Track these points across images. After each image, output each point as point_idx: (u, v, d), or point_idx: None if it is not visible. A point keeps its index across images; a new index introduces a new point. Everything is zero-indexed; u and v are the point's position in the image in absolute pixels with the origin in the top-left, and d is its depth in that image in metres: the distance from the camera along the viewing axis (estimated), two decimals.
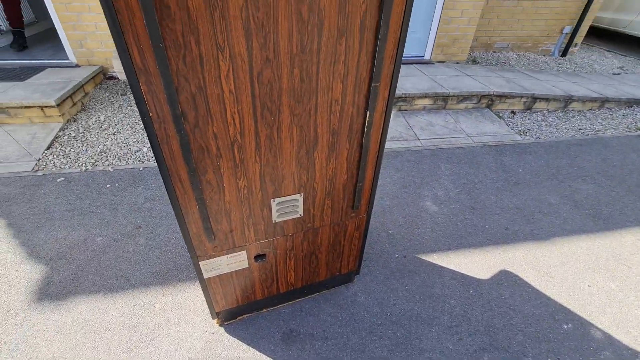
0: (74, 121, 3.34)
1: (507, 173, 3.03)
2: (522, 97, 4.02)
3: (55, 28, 3.83)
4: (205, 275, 1.45)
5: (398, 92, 3.73)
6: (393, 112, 3.82)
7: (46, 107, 3.11)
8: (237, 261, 1.47)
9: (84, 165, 2.80)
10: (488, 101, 4.01)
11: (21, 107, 3.07)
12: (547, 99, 4.10)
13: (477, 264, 2.15)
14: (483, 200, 2.69)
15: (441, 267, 2.12)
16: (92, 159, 2.88)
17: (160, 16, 0.80)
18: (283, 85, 1.04)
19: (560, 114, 4.13)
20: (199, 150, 1.07)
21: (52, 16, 3.71)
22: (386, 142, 3.39)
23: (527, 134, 3.68)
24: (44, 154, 2.88)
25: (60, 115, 3.18)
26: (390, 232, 2.36)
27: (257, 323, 1.76)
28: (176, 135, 0.99)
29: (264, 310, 1.82)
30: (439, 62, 4.82)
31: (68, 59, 3.98)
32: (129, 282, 1.93)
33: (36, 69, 3.75)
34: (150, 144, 0.99)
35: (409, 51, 4.74)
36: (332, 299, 1.90)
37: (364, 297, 1.93)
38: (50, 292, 1.85)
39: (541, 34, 5.77)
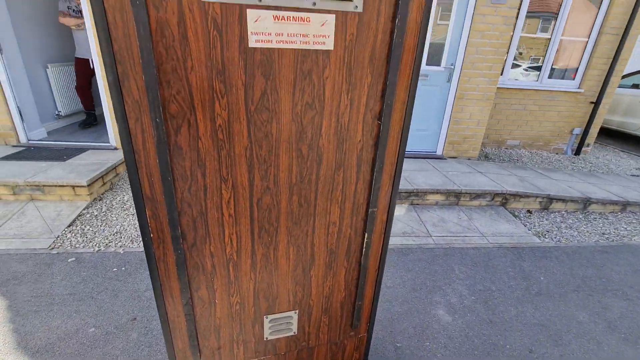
0: (100, 200, 3.54)
1: (527, 280, 2.83)
2: (537, 197, 3.98)
3: (104, 115, 4.36)
4: None
5: (410, 186, 3.80)
6: (405, 206, 3.85)
7: (77, 186, 3.35)
8: None
9: (97, 245, 2.87)
10: (502, 199, 3.99)
11: (56, 186, 3.32)
12: (563, 200, 4.03)
13: None
14: (502, 312, 2.47)
15: None
16: (107, 239, 2.97)
17: (172, 155, 0.90)
18: (282, 210, 1.08)
19: (580, 216, 4.01)
20: (194, 268, 1.08)
21: (103, 104, 4.26)
22: (397, 238, 3.34)
23: (546, 236, 3.54)
24: (64, 232, 3.00)
25: (88, 195, 3.40)
26: (398, 345, 2.15)
27: None
28: (173, 254, 1.02)
29: None
30: (450, 157, 4.99)
31: (109, 142, 4.43)
32: None
33: (80, 150, 4.16)
34: (147, 262, 1.01)
35: (421, 146, 4.97)
36: None
37: None
38: None
39: (551, 134, 5.98)
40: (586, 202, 4.04)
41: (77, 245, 2.86)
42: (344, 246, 1.23)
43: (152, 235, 0.98)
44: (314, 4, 0.83)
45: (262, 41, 0.84)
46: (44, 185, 3.31)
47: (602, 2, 5.20)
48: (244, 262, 1.13)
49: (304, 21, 0.84)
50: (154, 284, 1.06)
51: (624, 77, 6.74)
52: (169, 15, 0.76)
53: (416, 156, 4.88)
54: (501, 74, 5.38)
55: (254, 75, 0.87)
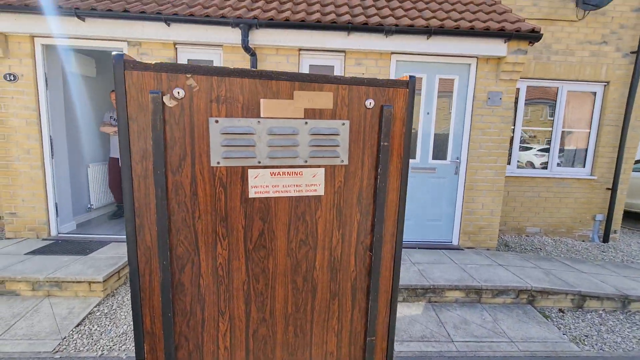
0: (113, 295, 3.57)
1: None
2: (567, 293, 3.69)
3: None
4: None
5: (426, 282, 3.65)
6: (422, 304, 3.63)
7: (93, 282, 3.43)
8: None
9: (101, 349, 2.80)
10: (528, 297, 3.72)
11: (72, 282, 3.42)
12: (598, 298, 3.70)
13: None
14: None
15: None
16: (112, 341, 2.90)
17: (175, 292, 0.97)
18: (277, 341, 1.09)
19: (621, 317, 3.62)
20: None
21: None
22: (415, 343, 3.07)
23: (586, 343, 3.16)
24: (71, 332, 2.97)
25: (102, 290, 3.45)
26: None
27: None
28: None
29: None
30: (467, 247, 4.85)
31: None
32: None
33: (103, 243, 4.37)
34: None
35: (435, 236, 4.91)
36: None
37: None
38: None
39: (572, 221, 5.80)
40: (624, 300, 3.69)
41: (81, 349, 2.79)
42: None
43: None
44: (306, 161, 0.99)
45: (260, 192, 0.97)
46: (62, 282, 3.41)
47: (595, 96, 5.58)
48: None
49: (297, 175, 0.99)
50: None
51: (637, 162, 6.77)
52: (183, 179, 0.92)
53: (431, 246, 4.78)
54: (509, 164, 5.55)
55: (252, 219, 0.99)
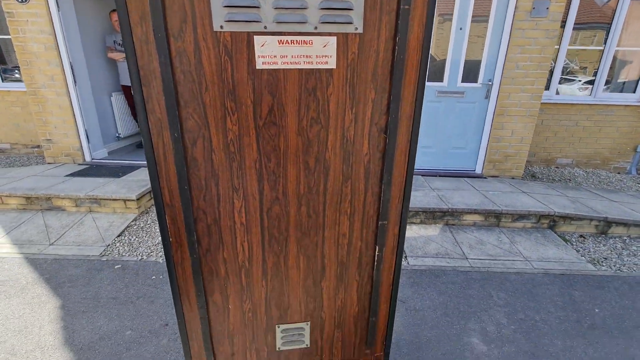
0: (147, 213, 3.86)
1: (578, 312, 2.54)
2: (591, 219, 3.61)
3: None
4: None
5: (444, 206, 3.66)
6: (439, 226, 3.69)
7: (128, 200, 3.70)
8: None
9: (140, 255, 3.12)
10: (550, 222, 3.67)
11: (110, 199, 3.70)
12: (625, 224, 3.60)
13: None
14: (546, 345, 2.23)
15: None
16: (149, 249, 3.21)
17: (189, 167, 1.00)
18: (291, 220, 1.12)
19: None
20: (208, 273, 1.15)
21: None
22: (429, 258, 3.20)
23: (604, 264, 3.17)
24: (113, 241, 3.30)
25: (137, 208, 3.73)
26: None
27: None
28: (189, 258, 1.10)
29: None
30: (491, 176, 4.73)
31: None
32: None
33: (133, 168, 4.61)
34: (167, 265, 1.10)
35: (458, 164, 4.79)
36: None
37: None
38: None
39: (610, 152, 5.44)
40: None
41: (123, 254, 3.12)
42: (355, 259, 1.23)
43: (171, 240, 1.07)
44: (316, 28, 0.90)
45: (268, 63, 0.92)
46: (100, 199, 3.70)
47: None
48: (255, 270, 1.18)
49: (306, 44, 0.91)
50: (172, 288, 1.15)
51: None
52: (186, 45, 0.87)
53: (453, 175, 4.70)
54: (547, 89, 5.08)
55: (261, 93, 0.95)
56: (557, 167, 5.58)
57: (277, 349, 1.34)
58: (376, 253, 1.22)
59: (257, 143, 1.00)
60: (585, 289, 2.81)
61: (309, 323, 1.31)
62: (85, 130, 4.69)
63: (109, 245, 3.24)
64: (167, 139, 0.95)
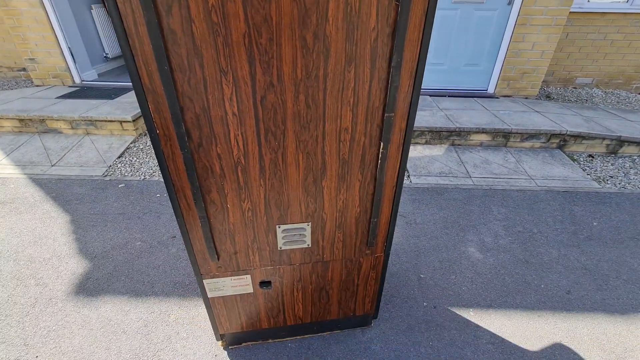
0: (145, 135, 3.77)
1: (576, 225, 2.58)
2: (604, 138, 3.47)
3: None
4: (209, 295, 1.44)
5: (451, 125, 3.51)
6: (444, 147, 3.59)
7: (124, 122, 3.57)
8: (241, 284, 1.44)
9: (143, 175, 3.11)
10: (560, 141, 3.55)
11: (105, 121, 3.57)
12: (638, 143, 3.48)
13: (524, 330, 1.81)
14: (541, 253, 2.30)
15: (477, 326, 1.83)
16: (151, 169, 3.19)
17: (166, 41, 0.85)
18: (287, 111, 1.02)
19: None
20: (203, 169, 1.09)
21: None
22: (432, 177, 3.17)
23: (608, 182, 3.13)
24: (114, 162, 3.27)
25: (134, 130, 3.63)
26: (422, 276, 2.13)
27: (261, 354, 1.68)
28: (181, 152, 1.03)
29: (270, 340, 1.74)
30: (504, 96, 4.46)
31: None
32: (153, 288, 2.01)
33: (126, 90, 4.38)
34: (157, 159, 1.04)
35: (469, 83, 4.49)
36: (344, 342, 1.75)
37: (380, 346, 1.73)
38: (87, 287, 2.01)
39: (636, 70, 5.03)
40: None
41: (125, 174, 3.12)
42: (358, 157, 1.16)
43: (157, 132, 0.98)
44: None
45: None
46: (95, 121, 3.57)
47: None
48: (252, 167, 1.11)
49: None
50: (166, 184, 1.10)
51: None
52: None
53: (463, 94, 4.43)
54: None
55: None
56: (574, 88, 5.24)
57: (279, 249, 1.35)
58: (380, 150, 1.14)
59: (243, 10, 0.84)
60: (587, 204, 2.81)
61: (309, 224, 1.30)
62: (69, 48, 4.34)
63: (110, 166, 3.22)
64: (136, 4, 0.79)
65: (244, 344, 1.71)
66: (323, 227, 1.33)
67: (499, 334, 1.78)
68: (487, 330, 1.80)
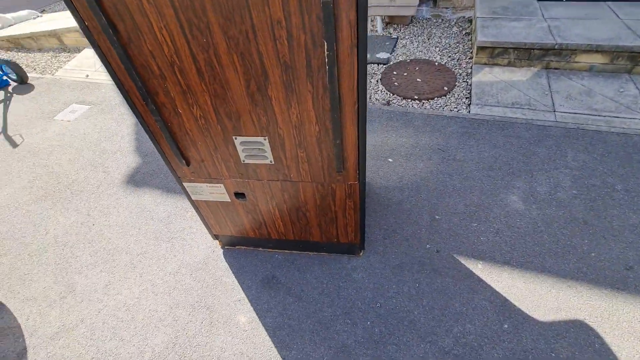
0: None
1: None
2: None
3: None
4: (193, 197, 1.55)
5: (550, 40, 2.65)
6: (534, 70, 2.79)
7: None
8: (218, 192, 1.50)
9: None
10: None
11: None
12: None
13: (538, 297, 1.50)
14: (611, 216, 1.76)
15: (480, 280, 1.59)
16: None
17: None
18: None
19: None
20: (142, 68, 1.05)
21: None
22: (500, 108, 2.56)
23: None
24: None
25: None
26: (437, 217, 1.89)
27: (250, 258, 1.82)
28: (112, 48, 1.00)
29: (260, 249, 1.85)
30: None
31: None
32: (179, 188, 2.28)
33: None
34: (98, 55, 1.03)
35: None
36: (327, 264, 1.75)
37: (362, 275, 1.68)
38: (135, 179, 2.39)
39: None
40: None
41: None
42: (302, 60, 0.96)
43: (86, 24, 0.95)
44: None
45: None
46: None
47: None
48: (188, 68, 1.03)
49: None
50: (114, 80, 1.10)
51: None
52: None
53: None
54: None
55: None
56: None
57: (242, 161, 1.32)
58: (326, 52, 0.91)
59: None
60: None
61: (266, 138, 1.20)
62: None
63: None
64: None
65: (237, 247, 1.87)
66: (282, 145, 1.22)
67: (503, 294, 1.53)
68: (490, 287, 1.56)
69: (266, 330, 1.53)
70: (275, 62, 0.97)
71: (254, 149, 1.26)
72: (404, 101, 2.80)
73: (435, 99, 2.76)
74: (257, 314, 1.59)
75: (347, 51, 0.91)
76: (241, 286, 1.71)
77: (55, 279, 1.83)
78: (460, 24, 3.68)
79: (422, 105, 2.73)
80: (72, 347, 1.56)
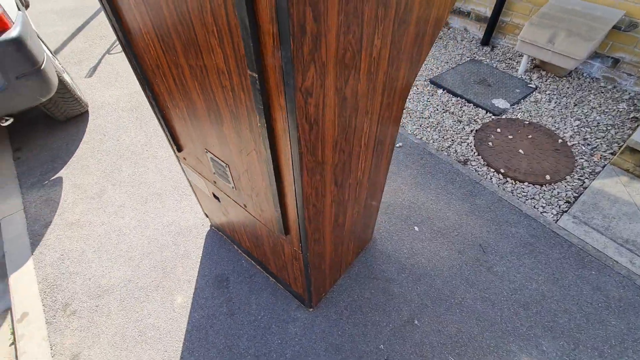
0: None
1: None
2: None
3: None
4: (188, 177, 1.63)
5: None
6: None
7: None
8: (202, 185, 1.53)
9: None
10: None
11: None
12: None
13: None
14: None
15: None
16: None
17: None
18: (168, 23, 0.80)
19: None
20: (140, 58, 1.08)
21: None
22: (606, 239, 1.87)
23: None
24: None
25: None
26: (416, 322, 1.57)
27: (223, 249, 1.87)
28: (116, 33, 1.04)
29: (235, 247, 1.87)
30: None
31: None
32: None
33: None
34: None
35: None
36: (276, 299, 1.67)
37: (297, 331, 1.55)
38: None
39: None
40: None
41: None
42: (244, 117, 0.83)
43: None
44: None
45: None
46: None
47: None
48: (168, 74, 1.01)
49: None
50: (132, 66, 1.17)
51: None
52: None
53: None
54: None
55: None
56: None
57: (212, 172, 1.29)
58: (258, 123, 0.76)
59: None
60: None
61: (228, 167, 1.14)
62: None
63: None
64: None
65: (220, 233, 1.93)
66: (239, 177, 1.14)
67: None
68: None
69: (188, 322, 1.59)
70: (225, 105, 0.87)
71: (219, 169, 1.21)
72: (485, 168, 2.29)
73: (526, 184, 2.18)
74: (192, 304, 1.66)
75: (280, 134, 0.75)
76: (198, 271, 1.78)
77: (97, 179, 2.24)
78: (635, 101, 2.72)
79: (504, 184, 2.19)
80: (72, 238, 1.91)
